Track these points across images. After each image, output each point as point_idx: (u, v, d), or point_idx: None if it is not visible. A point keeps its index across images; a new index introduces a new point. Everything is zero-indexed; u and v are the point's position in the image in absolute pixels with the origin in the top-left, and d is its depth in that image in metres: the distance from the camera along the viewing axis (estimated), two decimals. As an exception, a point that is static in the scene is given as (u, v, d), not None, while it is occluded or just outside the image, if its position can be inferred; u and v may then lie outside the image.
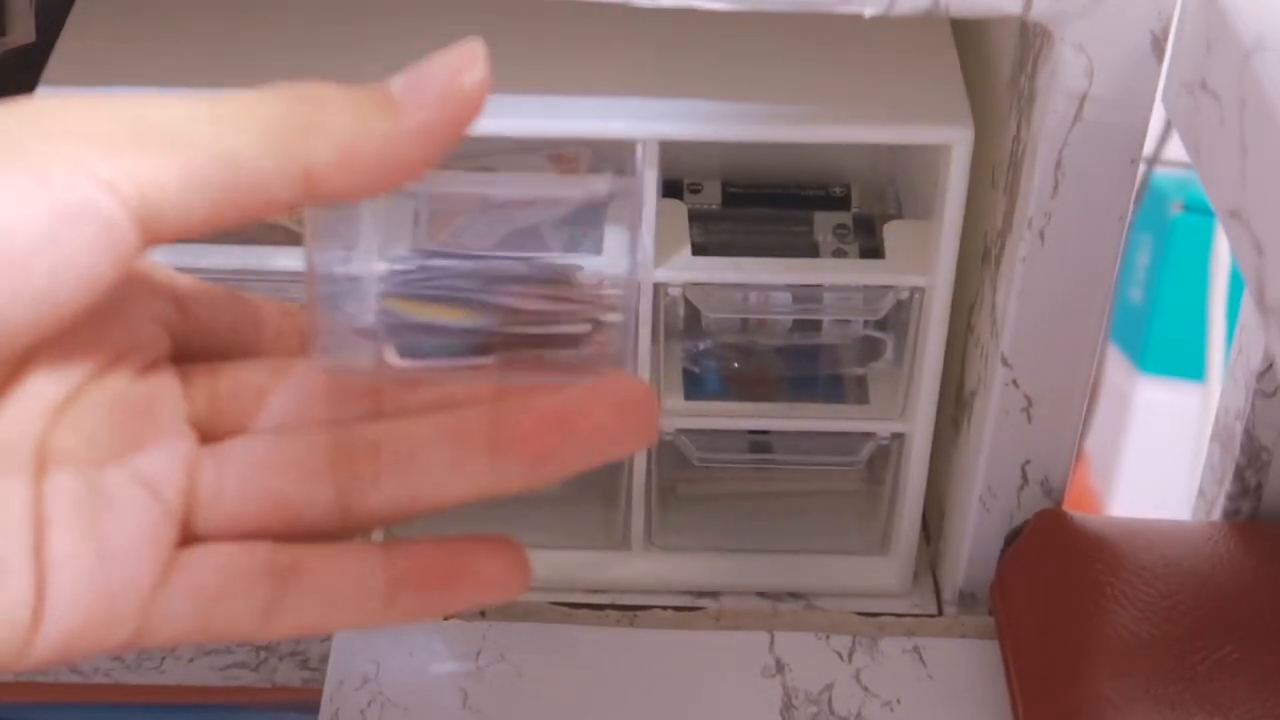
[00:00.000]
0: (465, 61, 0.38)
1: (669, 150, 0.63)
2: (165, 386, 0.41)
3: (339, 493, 0.41)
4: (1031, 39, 0.54)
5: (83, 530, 0.38)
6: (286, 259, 0.58)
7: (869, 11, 0.50)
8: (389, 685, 0.59)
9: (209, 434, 0.41)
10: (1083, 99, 0.51)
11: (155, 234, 0.36)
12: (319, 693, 0.59)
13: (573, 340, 0.42)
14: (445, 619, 0.61)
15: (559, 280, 0.42)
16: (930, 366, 0.61)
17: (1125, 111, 0.52)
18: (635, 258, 0.41)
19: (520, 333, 0.42)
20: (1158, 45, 0.50)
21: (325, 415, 0.42)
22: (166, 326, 0.42)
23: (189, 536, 0.41)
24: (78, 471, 0.38)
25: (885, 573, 0.66)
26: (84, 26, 0.59)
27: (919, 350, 0.60)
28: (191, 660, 0.64)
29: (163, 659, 0.64)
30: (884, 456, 0.64)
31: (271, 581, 0.41)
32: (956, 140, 0.56)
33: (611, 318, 0.41)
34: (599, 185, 0.42)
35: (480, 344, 0.42)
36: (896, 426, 0.63)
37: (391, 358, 0.42)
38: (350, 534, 0.41)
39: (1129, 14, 0.50)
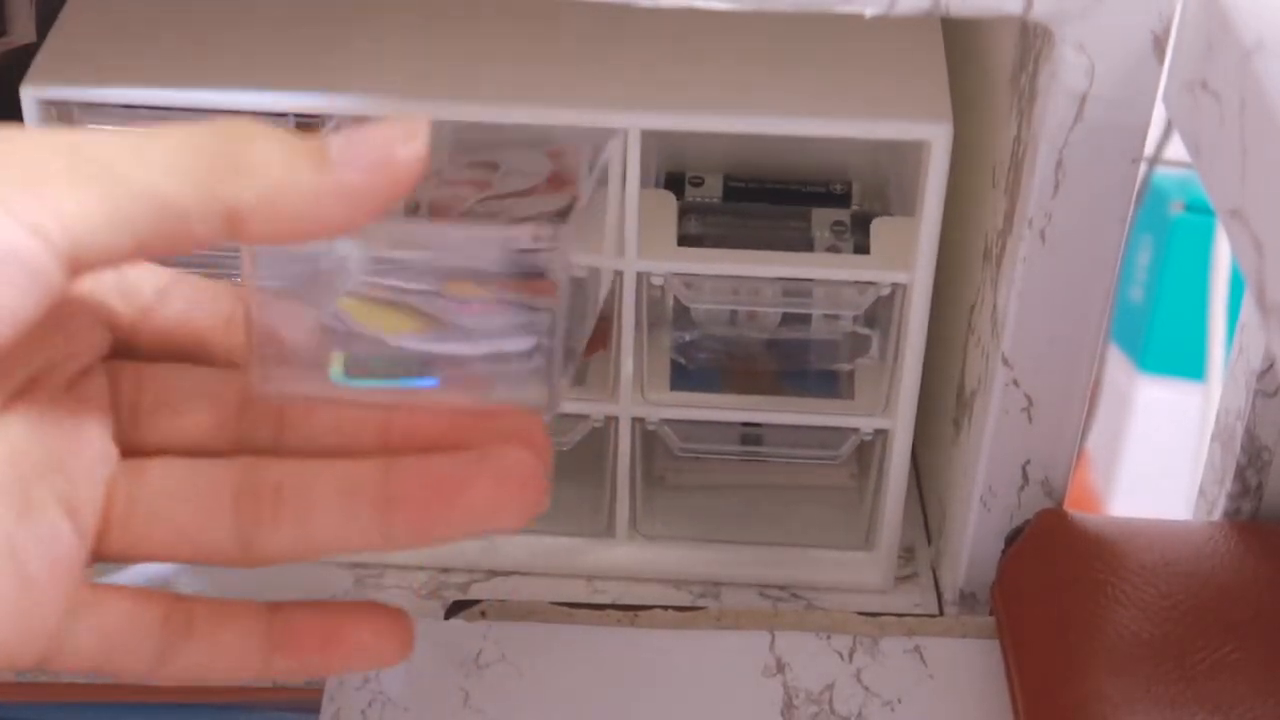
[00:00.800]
0: (405, 134, 0.38)
1: (671, 143, 0.63)
2: (94, 398, 0.42)
3: (239, 530, 0.42)
4: (1032, 39, 0.54)
5: (4, 559, 0.39)
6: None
7: (870, 11, 0.50)
8: (389, 685, 0.59)
9: (128, 446, 0.43)
10: (1083, 99, 0.51)
11: (81, 267, 0.37)
12: (319, 693, 0.59)
13: (516, 358, 0.42)
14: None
15: (509, 276, 0.42)
16: (911, 363, 0.61)
17: (1126, 111, 0.52)
18: (561, 261, 0.42)
19: (463, 353, 0.42)
20: (1158, 45, 0.50)
21: (234, 435, 0.43)
22: (111, 326, 0.43)
23: (97, 555, 0.42)
24: (3, 497, 0.39)
25: (869, 569, 0.66)
26: (72, 25, 0.59)
27: (901, 346, 0.61)
28: (192, 660, 0.64)
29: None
30: (869, 453, 0.64)
31: (165, 631, 0.42)
32: (935, 137, 0.56)
33: (543, 315, 0.42)
34: (521, 239, 0.42)
35: (424, 362, 0.42)
36: (879, 423, 0.63)
37: (335, 373, 0.42)
38: (249, 566, 0.43)
39: (1130, 14, 0.50)
